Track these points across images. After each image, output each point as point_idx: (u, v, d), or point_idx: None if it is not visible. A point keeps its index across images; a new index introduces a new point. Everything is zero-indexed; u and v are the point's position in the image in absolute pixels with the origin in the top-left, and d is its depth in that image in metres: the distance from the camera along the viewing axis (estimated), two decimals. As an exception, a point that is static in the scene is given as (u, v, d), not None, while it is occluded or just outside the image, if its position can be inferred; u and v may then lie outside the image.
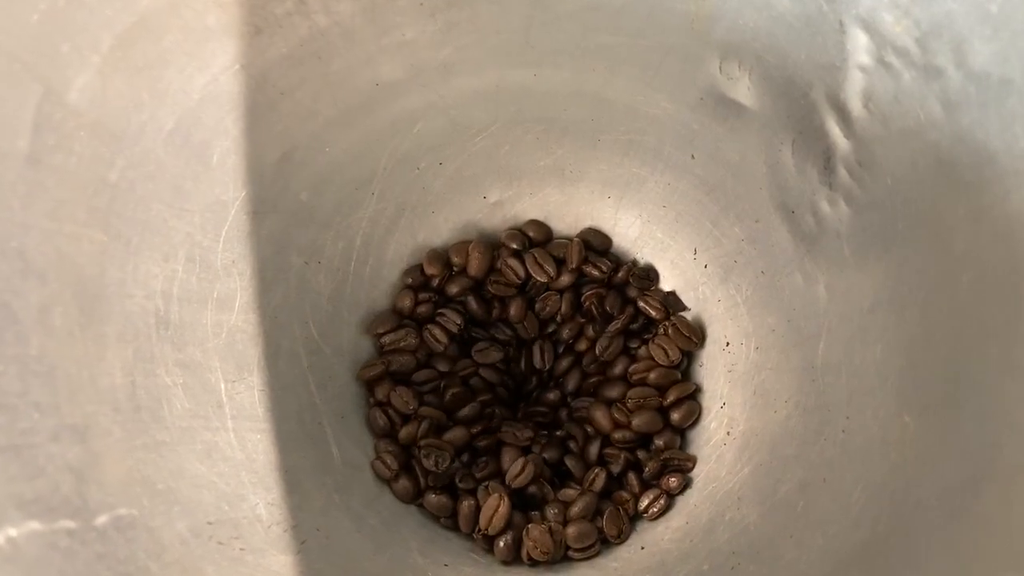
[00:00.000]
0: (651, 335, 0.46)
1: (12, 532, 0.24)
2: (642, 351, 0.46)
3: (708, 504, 0.41)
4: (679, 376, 0.45)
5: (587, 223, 0.48)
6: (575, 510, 0.42)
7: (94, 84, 0.30)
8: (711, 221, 0.44)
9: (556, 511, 0.42)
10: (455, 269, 0.47)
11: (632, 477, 0.44)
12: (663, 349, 0.45)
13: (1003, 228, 0.29)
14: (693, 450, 0.44)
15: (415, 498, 0.42)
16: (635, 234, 0.47)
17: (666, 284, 0.47)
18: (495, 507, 0.41)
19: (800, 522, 0.35)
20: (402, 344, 0.45)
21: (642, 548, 0.41)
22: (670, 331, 0.45)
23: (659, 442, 0.44)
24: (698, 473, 0.43)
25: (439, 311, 0.46)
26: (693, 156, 0.42)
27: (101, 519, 0.27)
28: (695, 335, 0.45)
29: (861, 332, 0.36)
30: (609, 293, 0.46)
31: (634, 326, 0.46)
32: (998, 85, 0.28)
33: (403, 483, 0.42)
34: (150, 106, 0.33)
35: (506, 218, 0.47)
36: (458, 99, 0.41)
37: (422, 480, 0.42)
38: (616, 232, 0.47)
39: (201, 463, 0.34)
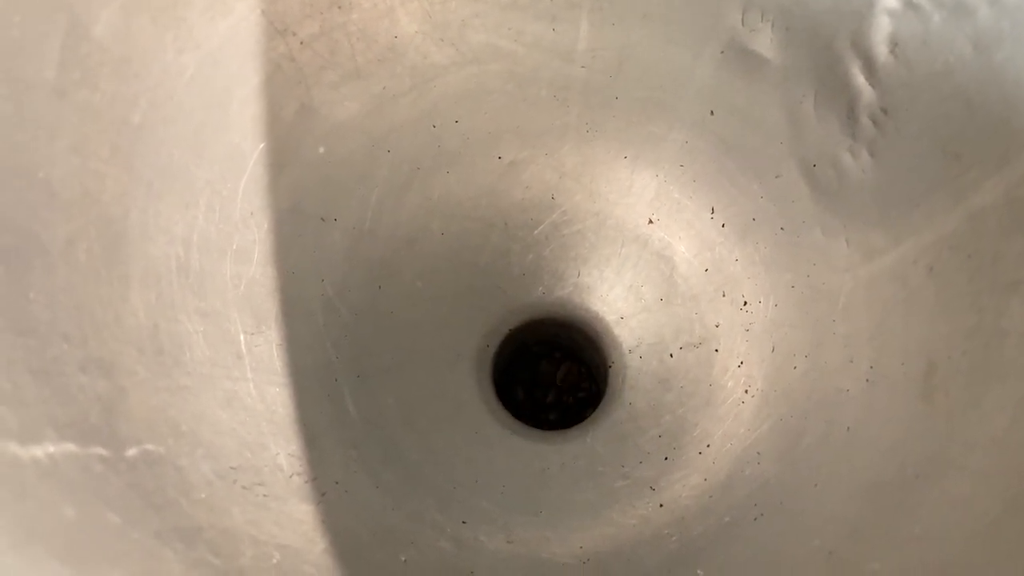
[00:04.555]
0: None
1: (51, 448, 0.24)
2: None
3: (727, 461, 0.41)
4: None
5: (602, 186, 0.47)
6: None
7: (118, 20, 0.30)
8: (729, 179, 0.43)
9: None
10: None
11: None
12: None
13: (1034, 167, 0.29)
14: (709, 410, 0.44)
15: None
16: (651, 195, 0.46)
17: (682, 245, 0.47)
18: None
19: (823, 471, 0.35)
20: None
21: (661, 506, 0.41)
22: None
23: None
24: (715, 432, 0.43)
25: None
26: (712, 112, 0.42)
27: (131, 451, 0.27)
28: None
29: (884, 284, 0.36)
30: None
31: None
32: (1034, 17, 0.28)
33: None
34: (172, 48, 0.32)
35: (520, 180, 0.47)
36: (475, 55, 0.41)
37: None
38: (632, 193, 0.47)
39: (223, 410, 0.34)
